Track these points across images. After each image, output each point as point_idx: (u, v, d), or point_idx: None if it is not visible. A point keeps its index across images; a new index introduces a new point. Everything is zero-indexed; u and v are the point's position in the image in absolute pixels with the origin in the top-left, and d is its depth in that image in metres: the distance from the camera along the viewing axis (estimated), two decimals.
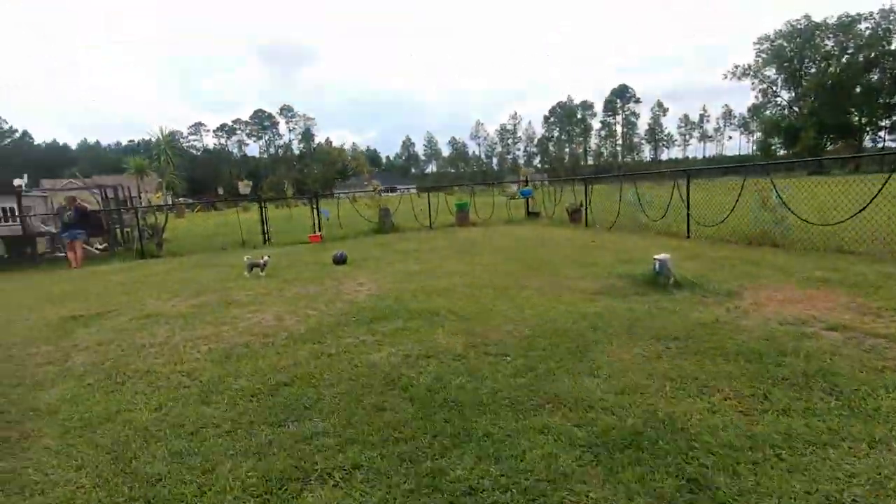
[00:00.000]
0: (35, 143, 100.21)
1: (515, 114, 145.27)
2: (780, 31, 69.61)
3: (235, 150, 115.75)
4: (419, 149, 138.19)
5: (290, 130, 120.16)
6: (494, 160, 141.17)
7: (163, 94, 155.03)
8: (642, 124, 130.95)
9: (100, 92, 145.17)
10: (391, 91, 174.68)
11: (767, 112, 76.95)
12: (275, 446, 2.51)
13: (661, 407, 2.66)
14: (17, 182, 12.82)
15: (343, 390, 3.14)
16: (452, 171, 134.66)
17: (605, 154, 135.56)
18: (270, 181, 74.41)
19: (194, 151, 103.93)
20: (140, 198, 15.80)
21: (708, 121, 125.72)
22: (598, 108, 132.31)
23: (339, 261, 8.84)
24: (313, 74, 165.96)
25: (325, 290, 6.39)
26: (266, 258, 8.19)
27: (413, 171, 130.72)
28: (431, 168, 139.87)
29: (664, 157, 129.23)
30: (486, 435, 2.49)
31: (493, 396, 2.90)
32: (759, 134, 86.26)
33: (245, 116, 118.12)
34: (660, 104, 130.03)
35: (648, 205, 11.34)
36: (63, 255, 12.52)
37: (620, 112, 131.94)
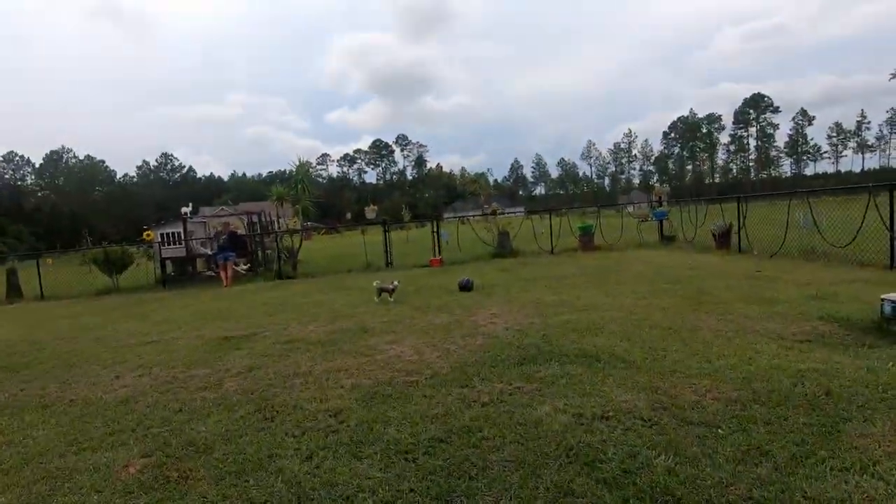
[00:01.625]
0: (197, 176, 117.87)
1: (630, 131, 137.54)
2: None
3: (355, 178, 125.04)
4: (527, 171, 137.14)
5: (404, 158, 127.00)
6: (607, 180, 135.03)
7: (298, 129, 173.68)
8: (781, 136, 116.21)
9: (246, 131, 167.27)
10: (499, 114, 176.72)
11: None
12: None
13: None
14: (184, 210, 14.67)
15: (511, 456, 2.59)
16: (562, 192, 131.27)
17: (735, 171, 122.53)
18: (386, 206, 78.90)
19: (321, 180, 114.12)
20: (279, 223, 17.18)
21: (868, 128, 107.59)
22: (728, 120, 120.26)
23: (465, 287, 8.49)
24: (427, 103, 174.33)
25: (458, 321, 6.00)
26: (395, 283, 8.10)
27: (521, 193, 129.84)
28: (540, 190, 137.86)
29: (808, 171, 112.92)
30: None
31: (724, 493, 2.14)
32: None
33: (365, 146, 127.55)
34: (804, 112, 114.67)
35: (831, 227, 9.44)
36: (215, 274, 13.93)
37: (755, 124, 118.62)
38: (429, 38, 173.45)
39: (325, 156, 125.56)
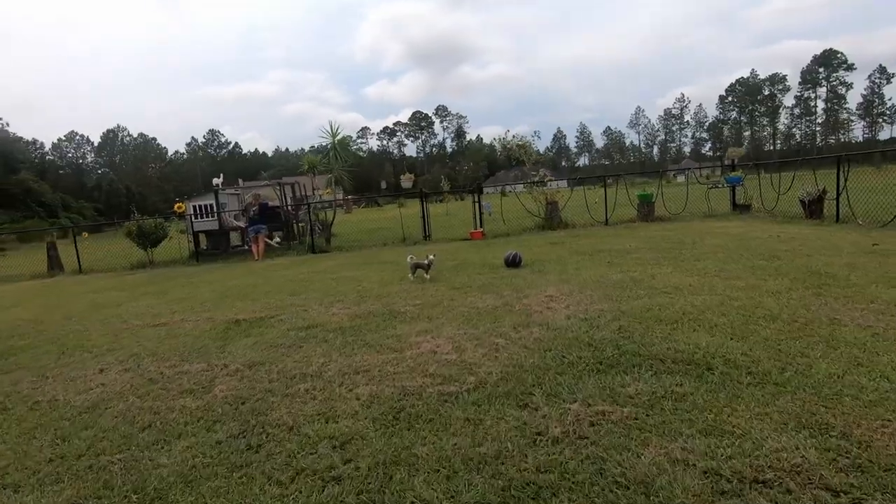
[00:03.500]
0: (242, 152, 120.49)
1: (682, 96, 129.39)
2: None
3: (395, 151, 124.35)
4: (570, 141, 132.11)
5: (444, 129, 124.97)
6: (655, 149, 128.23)
7: (339, 104, 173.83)
8: (854, 97, 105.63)
9: (287, 108, 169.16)
10: (540, 83, 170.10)
11: None
12: None
13: None
14: (215, 181, 14.16)
15: None
16: (607, 162, 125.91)
17: (798, 136, 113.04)
18: (426, 179, 77.83)
19: (361, 154, 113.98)
20: (314, 194, 16.47)
21: None
22: (793, 81, 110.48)
23: (513, 263, 7.38)
24: (466, 74, 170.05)
25: (507, 305, 4.93)
26: (431, 258, 7.10)
27: (564, 164, 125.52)
28: (583, 161, 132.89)
29: (883, 135, 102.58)
30: None
31: None
32: None
33: (404, 119, 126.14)
34: (882, 69, 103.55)
35: None
36: (249, 247, 13.40)
37: (824, 84, 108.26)
38: (466, 2, 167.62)
39: (364, 129, 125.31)
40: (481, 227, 12.89)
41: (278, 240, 14.83)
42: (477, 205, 13.17)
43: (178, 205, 13.45)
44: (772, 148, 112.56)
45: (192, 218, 13.75)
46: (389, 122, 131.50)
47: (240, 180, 19.73)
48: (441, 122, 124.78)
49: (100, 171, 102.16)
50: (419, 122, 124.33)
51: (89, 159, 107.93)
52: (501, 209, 14.09)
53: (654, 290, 5.01)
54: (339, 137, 14.81)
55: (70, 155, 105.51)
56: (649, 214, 12.94)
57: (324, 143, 14.45)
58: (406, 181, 14.10)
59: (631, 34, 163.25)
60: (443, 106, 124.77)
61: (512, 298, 5.22)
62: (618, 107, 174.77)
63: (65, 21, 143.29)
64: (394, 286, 6.69)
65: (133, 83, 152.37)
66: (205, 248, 14.29)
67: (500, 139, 13.66)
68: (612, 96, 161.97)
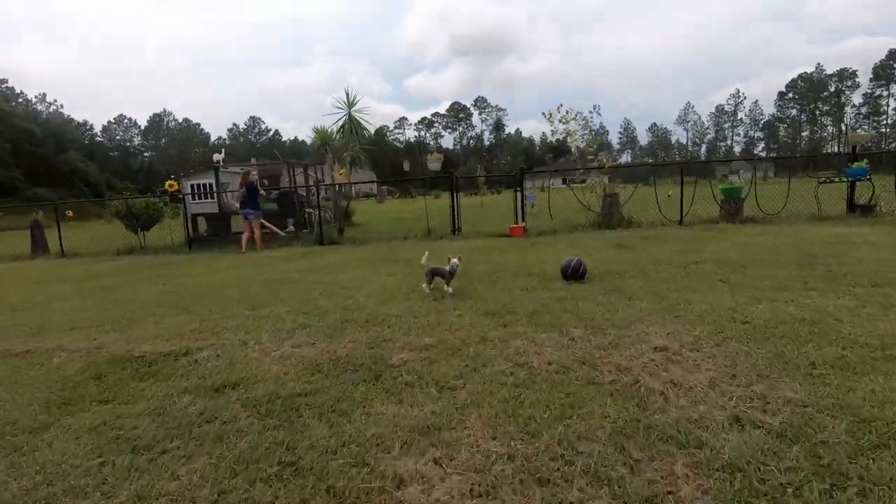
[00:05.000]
0: (282, 139, 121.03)
1: (738, 91, 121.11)
2: None
3: (432, 142, 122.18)
4: (613, 137, 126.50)
5: (482, 122, 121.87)
6: (703, 148, 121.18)
7: (379, 94, 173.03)
8: None
9: (329, 97, 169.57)
10: (584, 76, 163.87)
11: None
12: None
13: None
14: (216, 157, 12.31)
15: None
16: (650, 160, 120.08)
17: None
18: (462, 170, 75.40)
19: (398, 144, 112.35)
20: (332, 178, 14.46)
21: None
22: (863, 78, 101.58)
23: (575, 274, 5.06)
24: (508, 68, 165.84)
25: (584, 364, 2.64)
26: (454, 262, 4.86)
27: (605, 160, 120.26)
28: (626, 157, 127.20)
29: None
30: None
31: None
32: None
33: (442, 110, 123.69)
34: None
35: None
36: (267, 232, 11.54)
37: None
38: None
39: (402, 119, 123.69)
40: (523, 221, 10.54)
41: (291, 228, 12.91)
42: (519, 194, 10.81)
43: (169, 182, 11.64)
44: (839, 149, 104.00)
45: (189, 199, 11.95)
46: (429, 114, 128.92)
47: (252, 159, 17.96)
48: (480, 113, 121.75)
49: (146, 155, 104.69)
50: (457, 114, 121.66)
51: (136, 142, 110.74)
52: (548, 202, 11.68)
53: (867, 350, 2.60)
54: (353, 103, 12.62)
55: (118, 138, 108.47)
56: (737, 214, 10.25)
57: (338, 117, 12.27)
58: (433, 161, 11.77)
59: (685, 28, 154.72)
60: (482, 97, 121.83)
61: (589, 347, 2.92)
62: (666, 104, 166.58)
63: (119, 10, 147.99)
64: (397, 302, 4.50)
65: (179, 70, 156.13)
66: (203, 233, 12.51)
67: (549, 114, 11.15)
68: (660, 92, 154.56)
